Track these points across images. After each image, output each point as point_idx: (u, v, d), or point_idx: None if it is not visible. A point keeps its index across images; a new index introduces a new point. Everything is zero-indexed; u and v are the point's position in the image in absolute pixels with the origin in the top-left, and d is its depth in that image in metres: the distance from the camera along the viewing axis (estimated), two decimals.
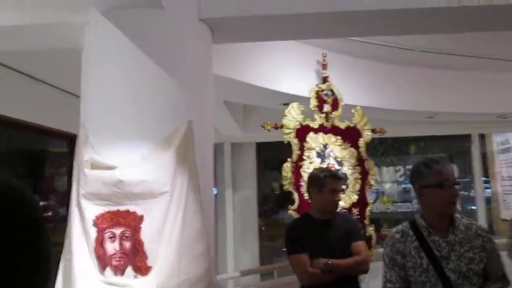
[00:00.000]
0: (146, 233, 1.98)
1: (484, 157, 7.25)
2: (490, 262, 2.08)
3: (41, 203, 5.13)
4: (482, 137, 6.86)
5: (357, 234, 2.79)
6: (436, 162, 2.16)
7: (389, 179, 7.00)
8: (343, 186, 3.80)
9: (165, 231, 1.99)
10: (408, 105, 4.68)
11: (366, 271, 2.85)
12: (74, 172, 2.11)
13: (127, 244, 1.97)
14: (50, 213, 5.34)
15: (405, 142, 7.64)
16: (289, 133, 3.55)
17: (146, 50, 2.16)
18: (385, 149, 7.71)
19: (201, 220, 2.11)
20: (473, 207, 6.38)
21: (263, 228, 7.49)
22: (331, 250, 2.63)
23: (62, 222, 2.84)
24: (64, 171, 4.79)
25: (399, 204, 6.92)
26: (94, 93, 2.21)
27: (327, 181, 2.76)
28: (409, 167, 6.96)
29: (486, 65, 4.64)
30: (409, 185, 7.38)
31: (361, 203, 3.88)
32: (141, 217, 1.99)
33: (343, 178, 2.98)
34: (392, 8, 2.31)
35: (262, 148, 6.51)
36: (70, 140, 4.25)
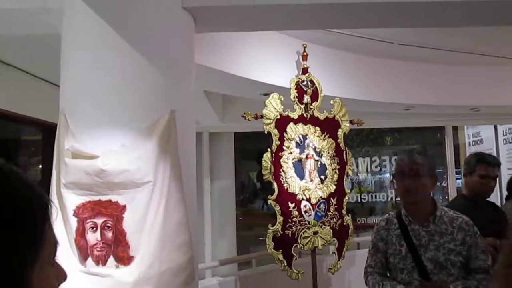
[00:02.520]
0: (128, 223, 1.96)
1: (456, 148, 7.45)
2: (473, 255, 2.12)
3: None
4: (455, 129, 7.04)
5: None
6: (404, 153, 2.27)
7: (365, 170, 7.11)
8: (322, 177, 3.86)
9: (147, 221, 1.99)
10: (385, 97, 4.75)
11: None
12: (54, 161, 2.07)
13: (109, 234, 1.95)
14: None
15: (381, 133, 7.77)
16: (269, 124, 3.56)
17: (128, 37, 2.12)
18: (361, 140, 7.82)
19: (183, 210, 2.11)
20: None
21: (240, 218, 7.52)
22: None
23: None
24: (37, 160, 4.67)
25: (375, 194, 7.05)
26: (74, 81, 2.16)
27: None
28: (385, 158, 7.08)
29: (461, 59, 4.74)
30: (384, 176, 7.55)
31: (339, 193, 3.93)
32: (124, 207, 1.97)
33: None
34: (374, 1, 2.33)
35: (240, 138, 6.51)
36: (44, 129, 4.15)
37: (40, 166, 4.46)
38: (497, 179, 3.02)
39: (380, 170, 7.11)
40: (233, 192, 6.13)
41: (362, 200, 6.90)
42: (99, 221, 1.96)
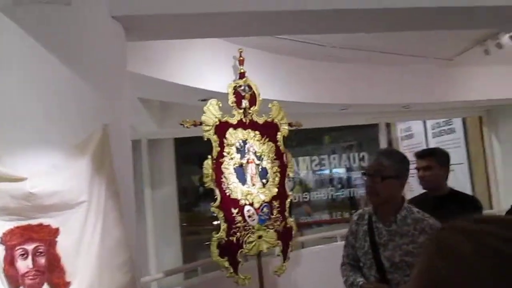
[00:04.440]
0: (63, 246, 1.86)
1: (390, 143, 7.79)
2: None
3: None
4: (388, 125, 7.36)
5: None
6: (374, 153, 2.43)
7: (305, 168, 7.25)
8: (263, 181, 3.88)
9: (83, 243, 1.89)
10: (321, 98, 4.86)
11: None
12: None
13: (42, 261, 1.83)
14: None
15: (319, 132, 7.94)
16: (209, 130, 3.52)
17: (53, 49, 2.01)
18: (300, 139, 7.95)
19: (121, 228, 2.03)
20: None
21: (184, 224, 7.39)
22: None
23: None
24: None
25: (315, 192, 7.22)
26: None
27: None
28: (323, 156, 7.26)
29: (392, 60, 4.96)
30: (323, 173, 7.74)
31: (281, 195, 3.97)
32: (57, 230, 1.86)
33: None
34: (307, 9, 2.36)
35: (180, 143, 6.41)
36: None
37: None
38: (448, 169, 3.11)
39: (320, 168, 7.28)
40: (175, 199, 6.02)
41: (304, 199, 7.03)
42: (30, 247, 1.84)
